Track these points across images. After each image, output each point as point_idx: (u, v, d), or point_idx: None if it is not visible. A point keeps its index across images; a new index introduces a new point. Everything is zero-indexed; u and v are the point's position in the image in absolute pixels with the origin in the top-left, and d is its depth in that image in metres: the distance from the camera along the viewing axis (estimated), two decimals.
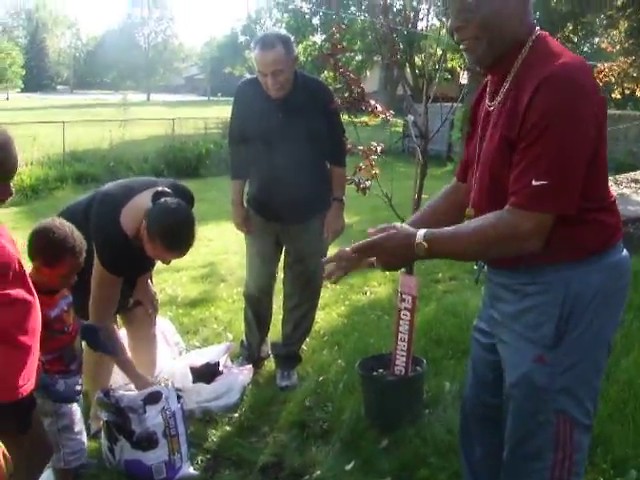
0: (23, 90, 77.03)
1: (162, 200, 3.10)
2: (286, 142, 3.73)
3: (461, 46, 2.02)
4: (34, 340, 2.20)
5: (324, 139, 3.76)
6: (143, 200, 3.17)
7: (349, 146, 3.50)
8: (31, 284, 2.21)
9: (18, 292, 2.11)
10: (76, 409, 2.92)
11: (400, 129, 22.47)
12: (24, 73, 78.60)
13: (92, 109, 36.48)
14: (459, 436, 2.55)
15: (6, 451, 2.04)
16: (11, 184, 2.16)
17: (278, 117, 3.74)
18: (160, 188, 3.19)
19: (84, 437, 2.99)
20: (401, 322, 3.51)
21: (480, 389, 2.39)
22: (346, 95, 3.40)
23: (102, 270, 3.15)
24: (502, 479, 2.23)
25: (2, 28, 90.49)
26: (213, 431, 3.56)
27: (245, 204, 4.12)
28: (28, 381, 2.20)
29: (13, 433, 2.15)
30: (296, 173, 3.75)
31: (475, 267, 2.32)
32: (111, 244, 3.14)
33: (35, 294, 2.23)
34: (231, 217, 4.18)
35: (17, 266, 2.11)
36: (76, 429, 2.90)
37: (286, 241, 4.09)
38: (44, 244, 2.63)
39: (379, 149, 3.48)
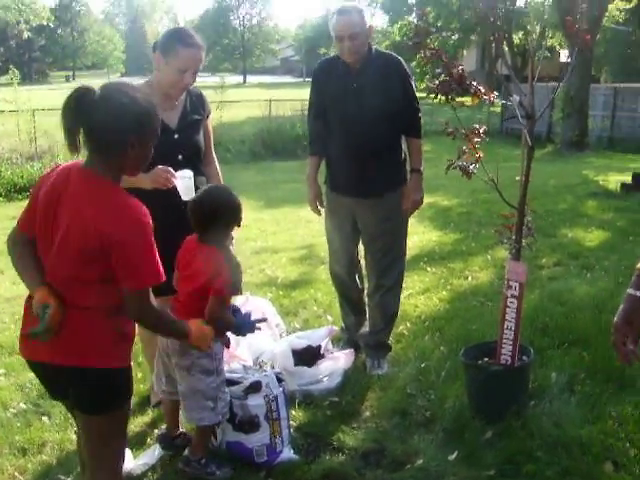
0: (124, 74, 79.86)
1: None
2: (361, 112, 3.79)
3: None
4: None
5: (399, 111, 3.83)
6: None
7: (450, 129, 3.40)
8: None
9: None
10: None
11: (498, 109, 21.97)
12: (124, 58, 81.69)
13: None
14: None
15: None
16: None
17: (353, 87, 3.81)
18: None
19: None
20: (507, 310, 3.40)
21: None
22: (446, 78, 3.29)
23: None
24: None
25: (104, 16, 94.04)
26: (314, 415, 3.55)
27: (323, 184, 4.16)
28: None
29: None
30: (371, 143, 3.81)
31: None
32: None
33: None
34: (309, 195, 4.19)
35: None
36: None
37: (361, 217, 4.02)
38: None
39: (482, 130, 3.36)
